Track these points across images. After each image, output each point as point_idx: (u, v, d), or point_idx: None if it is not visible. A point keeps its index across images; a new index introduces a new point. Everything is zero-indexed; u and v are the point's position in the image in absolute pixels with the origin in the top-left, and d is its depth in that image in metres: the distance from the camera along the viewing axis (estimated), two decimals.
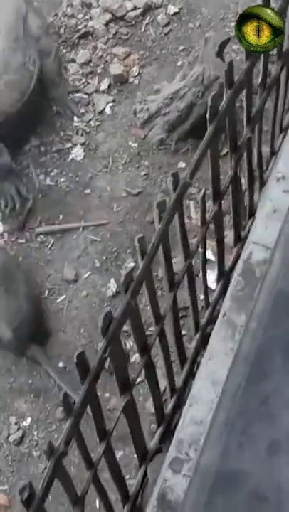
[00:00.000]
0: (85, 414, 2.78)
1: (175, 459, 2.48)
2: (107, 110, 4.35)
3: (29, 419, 3.53)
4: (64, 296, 3.82)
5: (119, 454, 3.37)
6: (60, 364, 3.64)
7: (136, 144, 4.19)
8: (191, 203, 3.92)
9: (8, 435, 3.50)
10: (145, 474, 3.20)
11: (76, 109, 4.35)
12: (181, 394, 3.35)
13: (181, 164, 4.08)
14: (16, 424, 3.52)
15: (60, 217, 4.03)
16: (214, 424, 2.46)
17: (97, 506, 3.27)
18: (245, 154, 3.29)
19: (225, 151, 3.68)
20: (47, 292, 3.82)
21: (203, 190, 2.97)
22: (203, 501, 2.23)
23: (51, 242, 3.97)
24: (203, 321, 3.46)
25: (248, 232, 3.52)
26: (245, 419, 2.39)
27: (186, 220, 3.85)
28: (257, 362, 2.52)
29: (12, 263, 3.78)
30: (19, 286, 3.63)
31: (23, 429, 3.51)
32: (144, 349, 2.92)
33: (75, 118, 4.33)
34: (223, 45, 4.03)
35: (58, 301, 3.80)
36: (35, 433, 3.50)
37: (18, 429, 3.51)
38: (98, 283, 3.83)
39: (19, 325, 3.56)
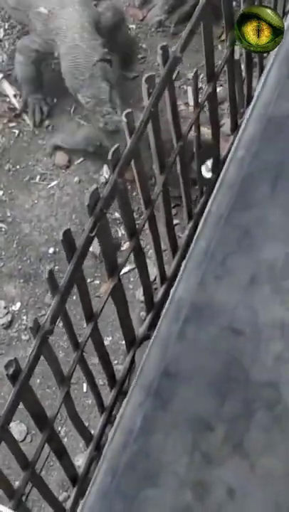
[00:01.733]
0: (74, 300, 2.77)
1: None
2: None
3: (18, 304, 3.52)
4: (56, 181, 3.74)
5: (108, 340, 3.38)
6: (50, 250, 3.61)
7: (134, 26, 4.06)
8: (189, 88, 3.79)
9: None
10: (133, 360, 3.22)
11: None
12: (170, 284, 3.32)
13: None
14: (5, 308, 3.51)
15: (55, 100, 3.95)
16: (192, 255, 2.35)
17: (85, 390, 3.29)
18: None
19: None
20: (38, 177, 3.75)
21: (195, 69, 2.86)
22: (176, 333, 2.15)
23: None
24: (196, 210, 3.40)
25: (247, 120, 3.41)
26: (225, 250, 2.24)
27: (183, 107, 3.76)
28: (241, 191, 2.37)
29: None
30: None
31: (12, 313, 3.51)
32: (133, 233, 2.87)
33: None
34: None
35: (49, 186, 3.73)
36: (24, 318, 3.50)
37: (7, 313, 3.51)
38: (91, 169, 3.76)
39: None
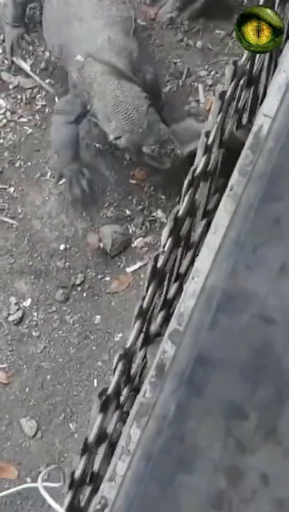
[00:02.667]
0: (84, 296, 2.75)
1: (175, 331, 2.45)
2: None
3: (29, 300, 3.53)
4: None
5: (118, 337, 3.39)
6: (61, 247, 3.62)
7: (145, 23, 4.06)
8: (200, 85, 3.79)
9: (8, 315, 3.50)
10: (145, 357, 3.21)
11: None
12: (182, 280, 3.32)
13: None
14: (15, 304, 3.51)
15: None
16: (223, 245, 2.38)
17: (96, 385, 3.30)
18: None
19: None
20: (49, 174, 3.76)
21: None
22: (208, 321, 2.18)
23: None
24: (209, 207, 3.40)
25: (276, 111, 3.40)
26: (255, 240, 2.29)
27: (194, 104, 3.76)
28: (271, 182, 2.41)
29: None
30: None
31: (23, 309, 3.51)
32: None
33: None
34: None
35: (59, 183, 3.74)
36: (35, 314, 3.50)
37: (18, 309, 3.51)
38: (101, 166, 3.76)
39: None
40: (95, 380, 3.28)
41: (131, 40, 3.65)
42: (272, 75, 2.96)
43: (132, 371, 3.13)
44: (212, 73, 3.34)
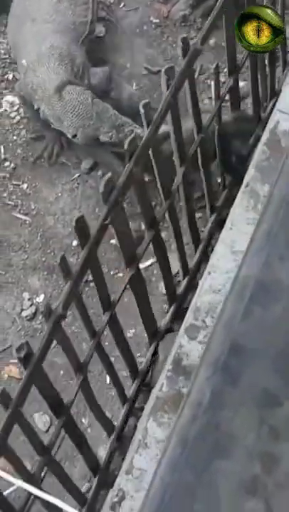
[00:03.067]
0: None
1: (191, 325, 2.46)
2: None
3: (42, 296, 3.54)
4: (79, 175, 3.77)
5: (131, 333, 3.40)
6: (74, 243, 3.63)
7: (158, 20, 4.08)
8: (213, 83, 3.79)
9: (21, 310, 3.52)
10: (155, 352, 3.23)
11: None
12: (193, 277, 3.33)
13: None
14: (29, 300, 3.53)
15: None
16: (256, 236, 2.42)
17: (108, 381, 3.31)
18: None
19: None
20: (62, 170, 3.77)
21: (216, 63, 2.87)
22: (242, 311, 2.22)
23: None
24: (218, 203, 3.41)
25: (269, 113, 3.42)
26: (287, 233, 2.31)
27: (207, 101, 3.76)
28: None
29: None
30: None
31: (36, 305, 3.53)
32: (152, 223, 2.87)
33: None
34: None
35: (72, 179, 3.76)
36: None
37: (31, 305, 3.53)
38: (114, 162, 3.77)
39: None
40: (107, 376, 3.29)
41: (77, 47, 3.72)
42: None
43: (142, 365, 3.16)
44: (225, 70, 3.33)
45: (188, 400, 2.10)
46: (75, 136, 3.57)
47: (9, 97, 3.95)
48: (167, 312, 3.30)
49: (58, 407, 2.52)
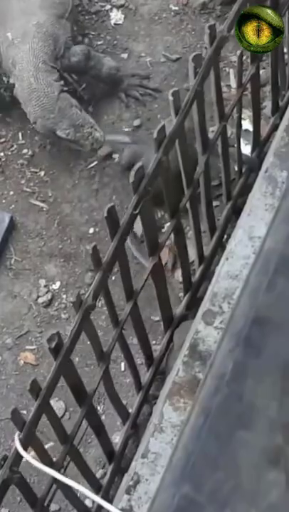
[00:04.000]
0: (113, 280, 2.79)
1: (208, 311, 2.46)
2: None
3: (58, 283, 3.55)
4: (96, 162, 3.77)
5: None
6: (91, 230, 3.64)
7: (177, 8, 4.06)
8: (231, 70, 3.79)
9: (38, 297, 3.53)
10: (171, 340, 3.23)
11: None
12: (208, 264, 3.33)
13: None
14: (45, 287, 3.55)
15: None
16: (279, 212, 2.43)
17: (123, 369, 3.31)
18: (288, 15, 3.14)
19: None
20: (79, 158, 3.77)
21: (240, 50, 2.86)
22: (265, 284, 2.23)
23: None
24: (235, 191, 3.40)
25: (287, 101, 3.40)
26: None
27: (225, 89, 3.75)
28: None
29: None
30: None
31: (52, 292, 3.54)
32: (175, 211, 2.88)
33: None
34: None
35: (89, 167, 3.75)
36: (64, 296, 3.52)
37: (47, 291, 3.54)
38: None
39: None
40: (122, 363, 3.30)
41: (61, 24, 3.78)
42: None
43: (157, 353, 3.17)
44: (243, 58, 3.31)
45: (211, 371, 2.12)
46: (34, 123, 3.67)
47: None
48: (182, 300, 3.30)
49: (81, 396, 2.54)
